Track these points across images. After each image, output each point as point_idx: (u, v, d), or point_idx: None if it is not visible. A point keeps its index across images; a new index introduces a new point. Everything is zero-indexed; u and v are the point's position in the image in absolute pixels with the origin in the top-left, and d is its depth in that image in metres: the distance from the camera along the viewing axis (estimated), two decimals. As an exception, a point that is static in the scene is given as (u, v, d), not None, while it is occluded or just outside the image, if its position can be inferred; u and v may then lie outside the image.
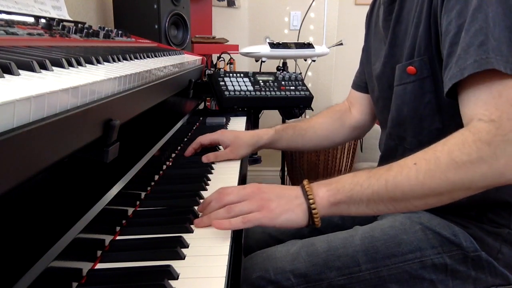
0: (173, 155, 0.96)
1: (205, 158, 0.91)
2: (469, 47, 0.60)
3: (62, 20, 1.00)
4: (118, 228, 0.59)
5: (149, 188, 0.75)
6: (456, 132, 0.60)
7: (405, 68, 0.75)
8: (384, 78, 0.83)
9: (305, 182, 0.64)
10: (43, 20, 0.92)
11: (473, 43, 0.60)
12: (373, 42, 0.91)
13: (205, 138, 0.95)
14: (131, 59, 0.78)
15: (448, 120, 0.72)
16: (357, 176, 0.62)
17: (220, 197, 0.63)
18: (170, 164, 0.90)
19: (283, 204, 0.61)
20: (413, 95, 0.75)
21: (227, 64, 2.09)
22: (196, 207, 0.67)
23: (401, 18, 0.77)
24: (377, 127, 0.98)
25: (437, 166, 0.58)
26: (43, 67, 0.46)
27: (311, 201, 0.61)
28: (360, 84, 1.02)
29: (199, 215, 0.65)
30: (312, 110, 1.58)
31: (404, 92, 0.77)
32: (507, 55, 0.58)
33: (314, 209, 0.61)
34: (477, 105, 0.60)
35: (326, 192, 0.61)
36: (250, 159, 1.16)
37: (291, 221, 0.61)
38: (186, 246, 0.55)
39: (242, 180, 0.83)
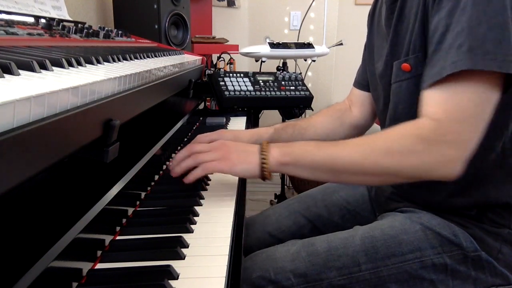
0: (173, 155, 0.96)
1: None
2: (450, 48, 0.62)
3: (62, 20, 1.00)
4: (118, 228, 0.59)
5: (149, 188, 0.75)
6: (403, 123, 0.65)
7: (400, 65, 0.76)
8: (386, 77, 0.83)
9: (265, 142, 0.73)
10: (43, 20, 0.92)
11: (453, 44, 0.61)
12: (376, 41, 0.91)
13: (205, 138, 0.95)
14: (131, 59, 0.78)
15: None
16: (308, 144, 0.71)
17: (190, 147, 0.75)
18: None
19: (242, 156, 0.71)
20: (408, 92, 0.75)
21: (227, 64, 2.09)
22: (196, 207, 0.67)
23: (403, 17, 0.77)
24: (376, 126, 0.98)
25: (372, 150, 0.65)
26: (43, 67, 0.46)
27: (263, 157, 0.70)
28: (362, 82, 1.02)
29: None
30: (312, 110, 1.58)
31: (400, 90, 0.77)
32: (494, 52, 0.59)
33: (265, 164, 0.70)
34: (430, 103, 0.64)
35: (278, 153, 0.70)
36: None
37: (247, 171, 0.71)
38: (186, 246, 0.55)
39: (242, 180, 0.83)
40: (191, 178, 0.71)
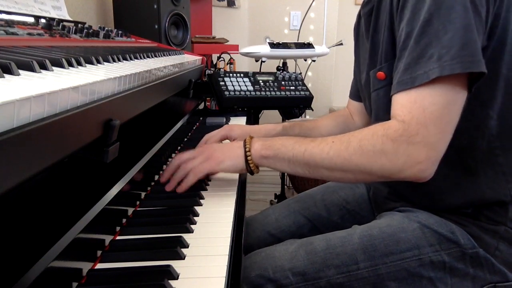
0: (173, 155, 0.96)
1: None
2: (420, 58, 0.64)
3: (62, 20, 1.00)
4: (118, 228, 0.59)
5: (149, 188, 0.75)
6: (374, 125, 0.68)
7: (375, 73, 0.78)
8: (367, 86, 0.86)
9: (248, 136, 0.77)
10: (43, 20, 0.92)
11: (423, 55, 0.63)
12: (361, 52, 0.93)
13: (214, 138, 0.95)
14: (131, 59, 0.78)
15: None
16: (288, 139, 0.74)
17: (176, 158, 0.78)
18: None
19: (226, 152, 0.76)
20: (386, 99, 0.76)
21: (227, 64, 2.09)
22: (196, 207, 0.67)
23: (378, 28, 0.80)
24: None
25: (346, 148, 0.67)
26: (43, 67, 0.46)
27: (247, 150, 0.74)
28: (355, 93, 1.04)
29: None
30: (312, 110, 1.58)
31: (378, 97, 0.79)
32: (459, 55, 0.61)
33: (249, 156, 0.74)
34: (397, 106, 0.66)
35: (260, 146, 0.74)
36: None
37: (233, 166, 0.75)
38: (186, 246, 0.55)
39: (242, 180, 0.83)
40: (184, 186, 0.73)
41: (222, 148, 0.77)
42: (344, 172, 0.69)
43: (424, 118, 0.62)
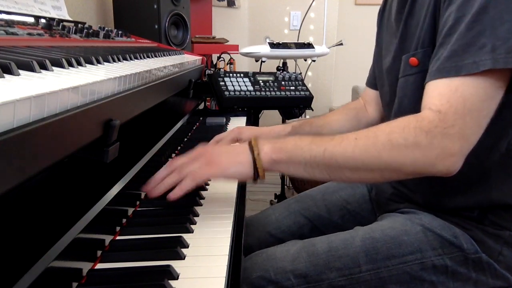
0: (173, 155, 0.96)
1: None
2: (469, 46, 0.60)
3: (62, 20, 1.00)
4: (118, 228, 0.59)
5: (149, 188, 0.75)
6: (404, 117, 0.63)
7: (408, 59, 0.75)
8: (393, 72, 0.82)
9: (253, 138, 0.68)
10: (43, 20, 0.92)
11: (474, 43, 0.60)
12: (385, 37, 0.90)
13: (225, 140, 0.94)
14: (131, 59, 0.78)
15: None
16: (301, 139, 0.66)
17: (170, 163, 0.67)
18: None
19: (231, 157, 0.66)
20: (414, 86, 0.75)
21: (227, 64, 2.09)
22: (196, 207, 0.67)
23: (414, 12, 0.77)
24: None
25: (374, 144, 0.61)
26: (43, 67, 0.46)
27: (255, 154, 0.65)
28: (373, 81, 1.01)
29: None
30: (312, 110, 1.58)
31: (406, 84, 0.76)
32: None
33: (258, 161, 0.65)
34: (433, 95, 0.62)
35: (270, 149, 0.65)
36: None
37: (239, 173, 0.65)
38: (186, 246, 0.55)
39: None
40: (178, 191, 0.63)
41: (225, 152, 0.67)
42: (370, 172, 0.63)
43: (463, 109, 0.59)
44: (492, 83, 0.60)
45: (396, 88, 0.82)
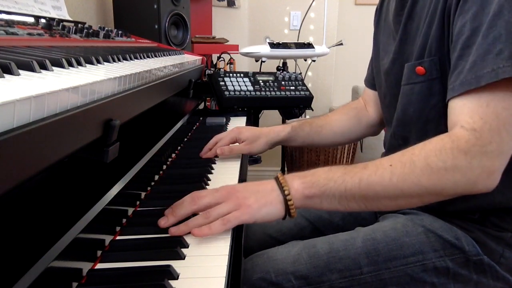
0: (173, 155, 0.96)
1: (219, 151, 0.91)
2: (487, 55, 0.58)
3: (62, 20, 1.00)
4: (118, 228, 0.59)
5: (149, 188, 0.75)
6: (436, 137, 0.61)
7: (414, 67, 0.73)
8: (392, 75, 0.82)
9: (279, 174, 0.64)
10: (43, 20, 0.92)
11: (491, 50, 0.58)
12: (382, 37, 0.90)
13: (224, 141, 0.94)
14: (131, 59, 0.78)
15: None
16: (332, 171, 0.63)
17: (193, 200, 0.61)
18: (170, 164, 0.90)
19: (260, 199, 0.61)
20: (420, 96, 0.74)
21: (227, 64, 2.09)
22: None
23: (414, 14, 0.76)
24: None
25: (412, 170, 0.59)
26: (43, 67, 0.46)
27: (286, 192, 0.61)
28: (372, 81, 1.01)
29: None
30: (312, 110, 1.58)
31: (411, 92, 0.75)
32: None
33: (290, 200, 0.61)
34: (463, 111, 0.60)
35: (301, 185, 0.62)
36: (250, 159, 1.16)
37: (271, 214, 0.61)
38: (186, 246, 0.55)
39: (242, 180, 0.83)
40: (207, 231, 0.57)
41: (254, 193, 0.62)
42: (410, 198, 0.61)
43: (497, 125, 0.57)
44: None
45: (395, 91, 0.81)
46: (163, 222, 0.59)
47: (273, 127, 0.99)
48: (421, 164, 0.59)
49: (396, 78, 0.81)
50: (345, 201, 0.62)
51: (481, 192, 0.60)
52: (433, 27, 0.70)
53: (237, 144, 0.96)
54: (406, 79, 0.76)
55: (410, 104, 0.77)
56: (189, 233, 0.58)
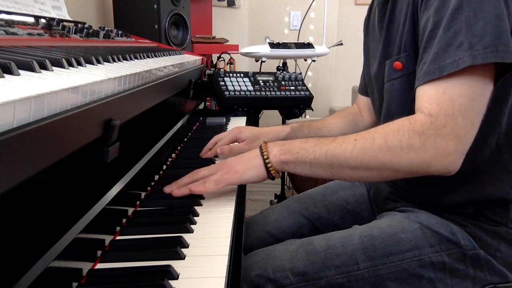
0: (173, 155, 0.96)
1: (219, 150, 0.93)
2: (448, 46, 0.62)
3: (62, 20, 1.00)
4: (118, 228, 0.59)
5: (149, 188, 0.75)
6: (398, 119, 0.66)
7: (392, 63, 0.77)
8: (379, 77, 0.84)
9: (263, 142, 0.75)
10: (43, 20, 0.92)
11: (452, 43, 0.62)
12: (371, 44, 0.92)
13: (224, 140, 0.95)
14: (131, 59, 0.78)
15: None
16: (306, 142, 0.72)
17: (193, 173, 0.74)
18: (170, 164, 0.90)
19: (245, 164, 0.73)
20: (400, 90, 0.76)
21: (227, 64, 2.09)
22: (196, 207, 0.67)
23: (394, 18, 0.79)
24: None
25: (371, 145, 0.65)
26: (43, 67, 0.46)
27: (265, 157, 0.72)
28: (365, 88, 1.03)
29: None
30: (312, 110, 1.58)
31: (392, 88, 0.78)
32: (494, 44, 0.60)
33: (269, 163, 0.72)
34: (424, 98, 0.65)
35: (278, 151, 0.72)
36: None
37: (255, 176, 0.73)
38: (186, 246, 0.55)
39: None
40: (201, 187, 0.71)
41: (240, 160, 0.74)
42: (369, 171, 0.67)
43: (452, 110, 0.61)
44: (478, 81, 0.62)
45: (382, 92, 0.83)
46: (167, 189, 0.71)
47: (272, 128, 1.01)
48: (380, 141, 0.65)
49: (383, 79, 0.83)
50: (314, 168, 0.70)
51: (439, 174, 0.63)
52: (406, 24, 0.73)
53: (237, 143, 0.96)
54: (387, 76, 0.80)
55: (392, 100, 0.79)
56: (189, 231, 0.59)
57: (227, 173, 0.72)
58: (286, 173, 2.24)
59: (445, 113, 0.61)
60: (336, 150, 0.68)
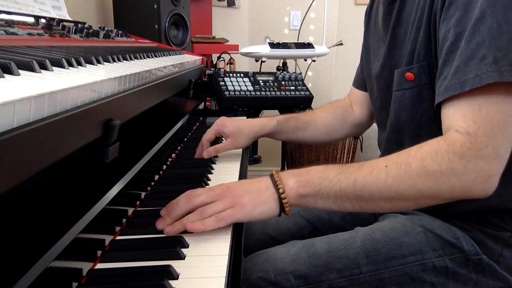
0: (173, 155, 0.96)
1: (206, 154, 0.91)
2: (470, 60, 0.59)
3: (62, 20, 1.00)
4: (118, 228, 0.59)
5: (149, 188, 0.75)
6: (432, 140, 0.60)
7: (404, 74, 0.74)
8: (382, 79, 0.83)
9: (274, 172, 0.64)
10: (43, 20, 0.92)
11: (474, 56, 0.58)
12: (372, 40, 0.90)
13: (208, 136, 0.95)
14: (131, 59, 0.78)
15: None
16: (327, 170, 0.62)
17: (189, 199, 0.61)
18: (170, 164, 0.90)
19: (255, 197, 0.61)
20: (411, 101, 0.74)
21: (227, 64, 2.09)
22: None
23: (401, 20, 0.77)
24: (376, 127, 0.98)
25: (407, 172, 0.58)
26: (43, 67, 0.46)
27: (280, 190, 0.61)
28: (361, 82, 1.02)
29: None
30: (312, 110, 1.58)
31: (403, 98, 0.76)
32: None
33: (284, 198, 0.61)
34: (456, 116, 0.60)
35: (296, 184, 0.61)
36: (250, 159, 1.16)
37: (265, 213, 0.61)
38: (186, 246, 0.55)
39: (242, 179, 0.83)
40: (200, 227, 0.58)
41: (248, 192, 0.62)
42: (405, 201, 0.60)
43: (492, 128, 0.57)
44: (510, 96, 0.58)
45: (385, 94, 0.82)
46: (160, 225, 0.59)
47: (257, 120, 0.99)
48: (417, 166, 0.58)
49: (386, 82, 0.82)
50: (339, 201, 0.61)
51: (479, 197, 0.59)
52: (421, 33, 0.70)
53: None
54: (396, 85, 0.77)
55: (402, 109, 0.77)
56: (186, 232, 0.59)
57: (232, 206, 0.60)
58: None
59: (485, 132, 0.57)
60: (366, 180, 0.59)
